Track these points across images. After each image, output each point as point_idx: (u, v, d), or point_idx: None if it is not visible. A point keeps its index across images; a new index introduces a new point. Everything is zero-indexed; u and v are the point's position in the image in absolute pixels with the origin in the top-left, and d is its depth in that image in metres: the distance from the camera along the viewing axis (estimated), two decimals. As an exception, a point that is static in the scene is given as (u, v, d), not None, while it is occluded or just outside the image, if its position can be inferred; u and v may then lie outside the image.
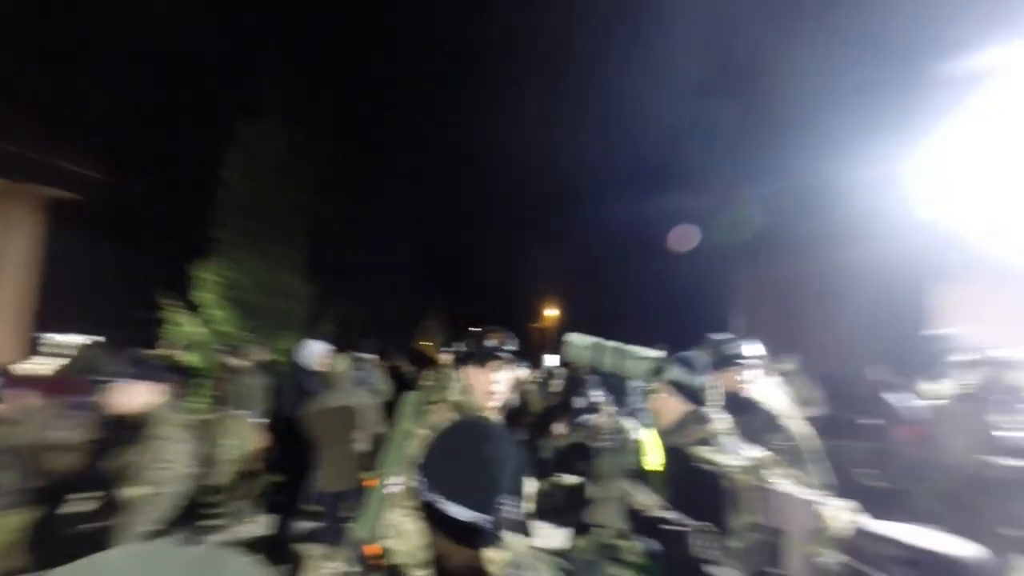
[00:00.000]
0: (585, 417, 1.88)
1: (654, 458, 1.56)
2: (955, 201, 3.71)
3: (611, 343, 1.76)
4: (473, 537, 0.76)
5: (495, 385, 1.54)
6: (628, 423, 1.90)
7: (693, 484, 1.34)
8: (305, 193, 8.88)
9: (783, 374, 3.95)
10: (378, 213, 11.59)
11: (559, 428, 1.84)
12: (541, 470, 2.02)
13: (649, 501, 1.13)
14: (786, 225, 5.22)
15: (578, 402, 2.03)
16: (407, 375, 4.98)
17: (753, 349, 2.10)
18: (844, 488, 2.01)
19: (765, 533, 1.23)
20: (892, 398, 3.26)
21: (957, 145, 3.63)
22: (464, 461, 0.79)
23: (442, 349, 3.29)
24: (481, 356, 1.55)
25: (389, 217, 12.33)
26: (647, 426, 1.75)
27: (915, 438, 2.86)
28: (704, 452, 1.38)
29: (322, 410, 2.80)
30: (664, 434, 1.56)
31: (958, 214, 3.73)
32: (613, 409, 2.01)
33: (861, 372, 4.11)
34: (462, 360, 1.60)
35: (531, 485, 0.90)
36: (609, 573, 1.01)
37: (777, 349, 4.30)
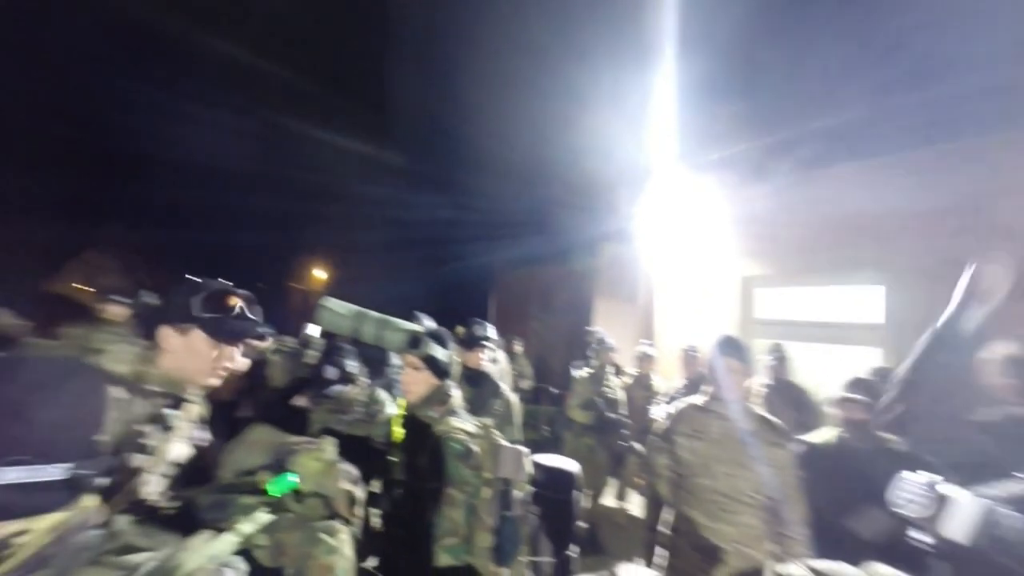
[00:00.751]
0: (336, 388, 1.81)
1: (401, 429, 1.66)
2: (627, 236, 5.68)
3: (374, 313, 1.75)
4: (32, 501, 0.63)
5: (224, 361, 1.19)
6: (384, 395, 1.94)
7: (438, 452, 1.51)
8: None
9: (511, 355, 4.88)
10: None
11: (301, 402, 1.69)
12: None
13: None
14: (523, 246, 6.93)
15: (330, 373, 1.93)
16: (8, 331, 3.13)
17: (493, 333, 2.51)
18: (529, 440, 2.71)
19: (499, 484, 1.53)
20: (573, 373, 4.48)
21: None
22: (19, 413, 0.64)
23: (113, 298, 2.14)
24: (208, 322, 1.16)
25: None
26: (399, 398, 1.84)
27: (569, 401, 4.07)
28: (449, 422, 1.57)
29: None
30: (414, 406, 1.67)
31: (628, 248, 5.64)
32: (368, 381, 2.01)
33: (556, 354, 5.59)
34: (155, 318, 1.16)
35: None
36: (241, 503, 1.03)
37: (510, 335, 5.47)
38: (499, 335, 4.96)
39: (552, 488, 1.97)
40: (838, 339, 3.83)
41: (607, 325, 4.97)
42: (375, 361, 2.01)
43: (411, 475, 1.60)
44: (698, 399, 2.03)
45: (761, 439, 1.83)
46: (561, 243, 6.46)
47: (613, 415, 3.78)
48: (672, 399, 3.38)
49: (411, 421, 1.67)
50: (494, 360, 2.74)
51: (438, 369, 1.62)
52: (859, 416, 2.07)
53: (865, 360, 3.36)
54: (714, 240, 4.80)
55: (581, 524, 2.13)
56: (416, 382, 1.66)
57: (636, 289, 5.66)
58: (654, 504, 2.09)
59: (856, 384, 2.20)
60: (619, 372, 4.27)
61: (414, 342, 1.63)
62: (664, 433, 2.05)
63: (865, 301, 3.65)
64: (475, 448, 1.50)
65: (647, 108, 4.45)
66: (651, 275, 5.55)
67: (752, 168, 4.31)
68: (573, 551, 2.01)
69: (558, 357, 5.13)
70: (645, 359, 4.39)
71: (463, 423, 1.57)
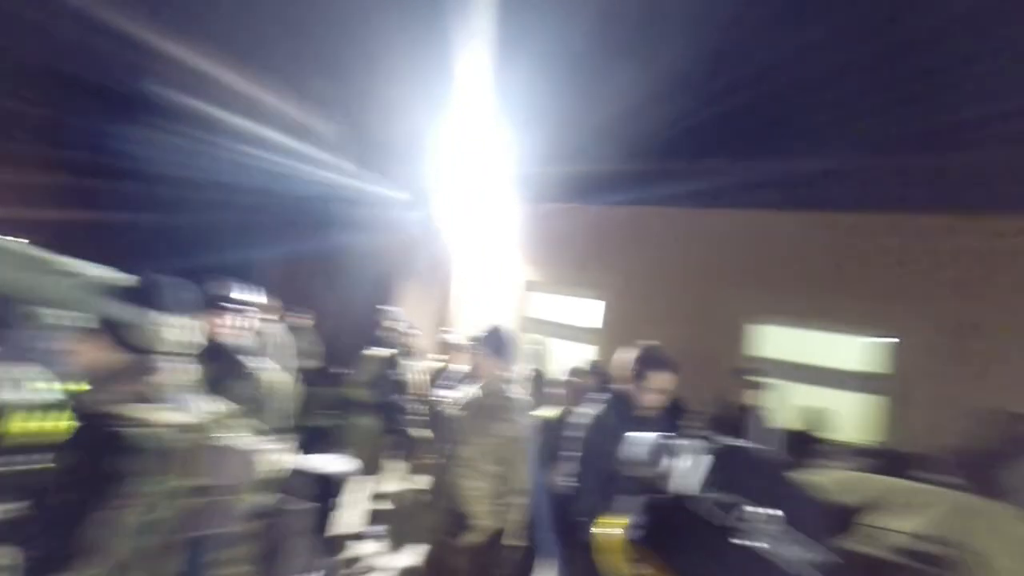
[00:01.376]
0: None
1: (67, 422, 1.12)
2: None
3: (31, 249, 1.14)
4: None
5: None
6: (28, 372, 1.28)
7: (107, 453, 1.05)
8: None
9: (294, 328, 4.24)
10: None
11: None
12: None
13: None
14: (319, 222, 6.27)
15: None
16: None
17: (246, 296, 2.01)
18: (302, 428, 2.35)
19: (208, 493, 1.13)
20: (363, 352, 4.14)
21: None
22: None
23: None
24: None
25: None
26: (65, 378, 1.27)
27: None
28: (136, 411, 1.11)
29: None
30: (86, 389, 1.16)
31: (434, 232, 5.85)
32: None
33: (350, 334, 5.13)
34: None
35: None
36: None
37: (297, 307, 4.75)
38: (283, 307, 4.24)
39: (304, 495, 1.72)
40: (577, 338, 5.13)
41: (410, 311, 4.96)
42: (17, 320, 1.31)
43: (69, 485, 1.11)
44: (471, 382, 2.28)
45: (503, 415, 2.11)
46: (363, 223, 6.26)
47: (396, 397, 3.67)
48: (458, 382, 3.52)
49: (82, 410, 1.16)
50: (256, 332, 2.25)
51: (119, 337, 1.14)
52: (572, 396, 2.73)
53: (586, 355, 4.48)
54: (508, 245, 5.59)
55: (345, 534, 1.95)
56: (89, 354, 1.15)
57: (439, 279, 6.01)
58: (433, 478, 2.37)
59: (572, 372, 3.02)
60: (417, 356, 4.23)
61: (87, 295, 1.11)
62: (444, 412, 2.31)
63: (594, 311, 5.03)
64: (163, 447, 1.10)
65: (463, 109, 4.84)
66: (454, 267, 6.01)
67: (545, 188, 5.14)
68: (323, 568, 1.77)
69: (352, 337, 4.72)
70: (445, 346, 4.47)
71: (161, 413, 1.15)
